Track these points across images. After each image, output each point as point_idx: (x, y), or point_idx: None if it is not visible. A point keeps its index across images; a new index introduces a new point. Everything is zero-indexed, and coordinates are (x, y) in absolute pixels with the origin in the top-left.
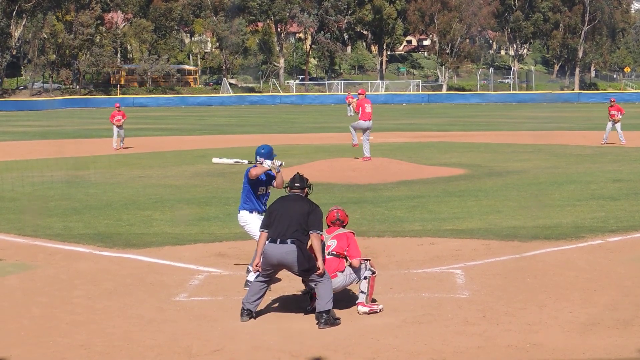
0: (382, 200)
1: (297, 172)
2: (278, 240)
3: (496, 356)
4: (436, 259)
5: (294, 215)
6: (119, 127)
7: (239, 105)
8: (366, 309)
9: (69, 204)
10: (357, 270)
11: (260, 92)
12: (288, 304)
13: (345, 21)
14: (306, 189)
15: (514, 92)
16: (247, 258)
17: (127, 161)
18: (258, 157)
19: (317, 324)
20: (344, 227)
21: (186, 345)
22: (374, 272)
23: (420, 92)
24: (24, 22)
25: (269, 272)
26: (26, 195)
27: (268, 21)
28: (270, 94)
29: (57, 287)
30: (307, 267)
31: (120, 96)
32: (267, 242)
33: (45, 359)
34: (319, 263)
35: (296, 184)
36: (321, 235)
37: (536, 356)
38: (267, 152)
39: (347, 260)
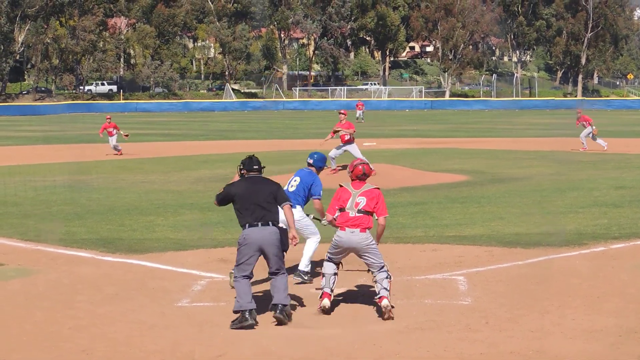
0: None
1: (253, 155)
2: (260, 224)
3: None
4: (439, 266)
5: (265, 197)
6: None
7: (241, 110)
8: (388, 302)
9: (72, 208)
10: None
11: (263, 97)
12: (291, 310)
13: (348, 27)
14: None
15: (516, 98)
16: None
17: (129, 166)
18: (309, 160)
19: (275, 315)
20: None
21: (188, 351)
22: (390, 277)
23: (423, 99)
24: (27, 27)
25: (251, 259)
26: (29, 199)
27: (271, 27)
28: (273, 99)
29: (59, 292)
30: (284, 248)
31: (124, 101)
32: (246, 227)
33: None
34: (293, 232)
35: (255, 167)
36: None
37: None
38: (320, 159)
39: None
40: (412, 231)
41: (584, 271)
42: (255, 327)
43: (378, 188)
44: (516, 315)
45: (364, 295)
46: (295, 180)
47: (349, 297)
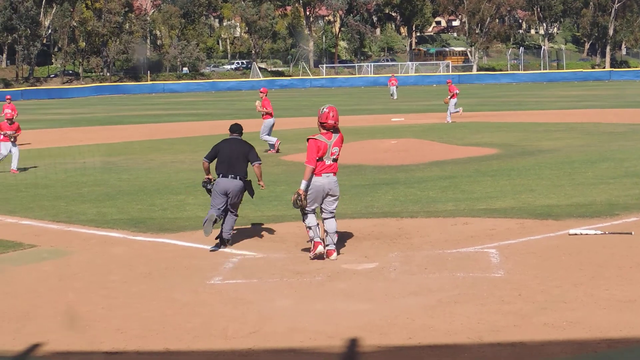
0: (414, 181)
1: (236, 122)
2: (230, 176)
3: (533, 334)
4: (470, 239)
5: (237, 155)
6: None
7: (269, 89)
8: (336, 255)
9: (102, 189)
10: None
11: (290, 75)
12: (324, 286)
13: (374, 3)
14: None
15: (544, 71)
16: (280, 241)
17: (158, 147)
18: None
19: (223, 246)
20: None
21: (222, 328)
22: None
23: (451, 73)
24: (53, 11)
25: (219, 200)
26: (59, 182)
27: (296, 4)
28: (300, 77)
29: (92, 272)
30: (251, 194)
31: (151, 82)
32: (219, 176)
33: (82, 343)
34: (262, 182)
35: (235, 130)
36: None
37: (573, 334)
38: None
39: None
40: (442, 205)
41: (616, 242)
42: (209, 231)
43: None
44: (549, 287)
45: (395, 269)
46: None
47: (381, 271)
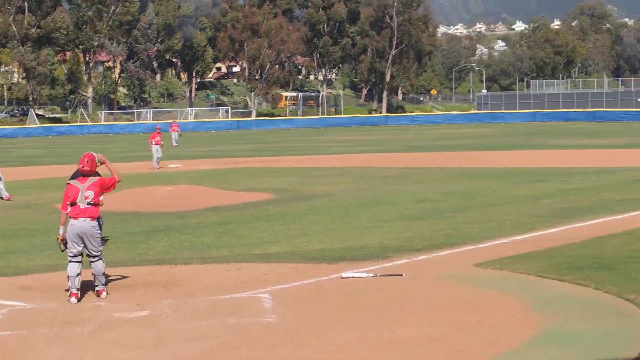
0: (189, 227)
1: None
2: None
3: None
4: (243, 284)
5: None
6: None
7: (45, 136)
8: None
9: None
10: None
11: (67, 122)
12: (95, 336)
13: (154, 49)
14: None
15: (322, 116)
16: (52, 290)
17: None
18: None
19: None
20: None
21: None
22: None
23: (230, 119)
24: None
25: None
26: None
27: (76, 50)
28: (78, 124)
29: None
30: None
31: None
32: None
33: None
34: None
35: None
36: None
37: None
38: None
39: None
40: (217, 251)
41: (387, 284)
42: None
43: (98, 175)
44: (320, 330)
45: (167, 317)
46: None
47: (153, 319)
